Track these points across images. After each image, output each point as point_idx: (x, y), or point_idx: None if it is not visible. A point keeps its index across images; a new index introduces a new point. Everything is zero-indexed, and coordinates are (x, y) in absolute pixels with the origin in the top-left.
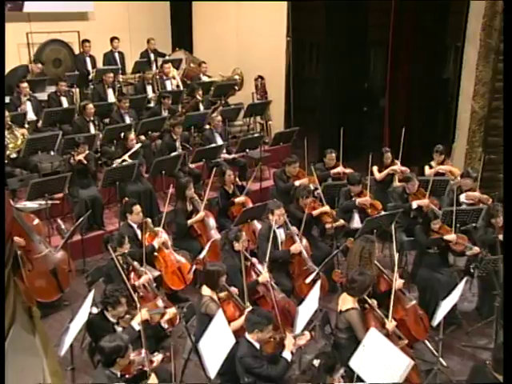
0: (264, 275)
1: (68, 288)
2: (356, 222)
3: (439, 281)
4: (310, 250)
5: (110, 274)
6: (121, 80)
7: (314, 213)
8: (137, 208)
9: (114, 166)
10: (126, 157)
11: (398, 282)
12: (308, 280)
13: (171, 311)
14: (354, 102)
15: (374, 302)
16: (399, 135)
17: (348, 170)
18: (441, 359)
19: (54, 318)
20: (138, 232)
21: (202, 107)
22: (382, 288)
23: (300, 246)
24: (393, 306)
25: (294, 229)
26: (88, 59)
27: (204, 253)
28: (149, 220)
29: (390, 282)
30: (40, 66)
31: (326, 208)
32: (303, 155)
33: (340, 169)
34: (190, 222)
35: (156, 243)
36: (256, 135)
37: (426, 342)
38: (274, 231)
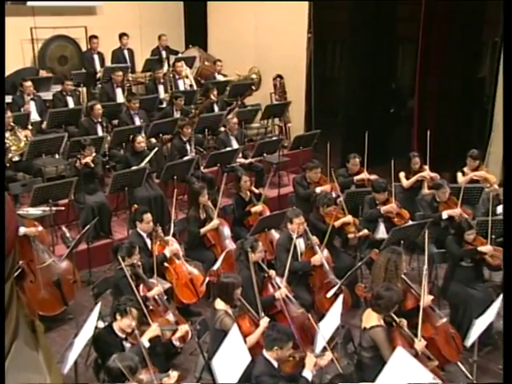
0: (282, 290)
1: (73, 300)
2: (381, 232)
3: (473, 297)
4: (332, 262)
5: (118, 286)
6: (130, 79)
7: (336, 224)
8: (148, 216)
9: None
10: (144, 164)
11: (427, 298)
12: (329, 294)
13: (183, 328)
14: (380, 103)
15: (401, 320)
16: (428, 139)
17: (373, 177)
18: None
19: (58, 332)
20: (148, 241)
21: (216, 108)
22: (410, 304)
23: (321, 257)
24: (422, 324)
25: (314, 239)
26: (96, 57)
27: (218, 264)
28: (159, 228)
29: (418, 298)
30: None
31: (349, 218)
32: (325, 160)
33: (364, 175)
34: (203, 230)
35: (167, 252)
36: (274, 138)
37: (459, 363)
38: (293, 241)
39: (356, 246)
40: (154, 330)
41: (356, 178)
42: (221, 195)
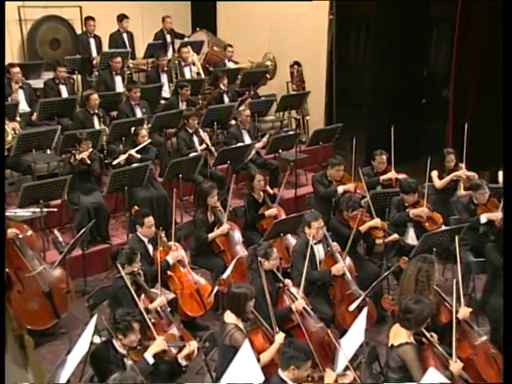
0: (299, 301)
1: (65, 313)
2: (411, 238)
3: None
4: (355, 271)
5: (116, 296)
6: (131, 66)
7: (362, 228)
8: (149, 220)
9: (119, 164)
10: (132, 151)
11: (463, 312)
12: (352, 307)
13: (192, 345)
14: (411, 92)
15: (433, 337)
16: (465, 133)
17: (401, 176)
18: None
19: (49, 348)
20: (150, 247)
21: (226, 99)
22: (444, 319)
23: (343, 266)
24: (458, 343)
25: (335, 245)
26: (92, 40)
27: (228, 272)
28: (162, 233)
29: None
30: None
31: (377, 221)
32: (347, 158)
33: (392, 174)
34: (211, 235)
35: (171, 259)
36: (291, 133)
37: None
38: (312, 248)
39: (382, 254)
40: (159, 344)
41: (382, 177)
42: (231, 196)
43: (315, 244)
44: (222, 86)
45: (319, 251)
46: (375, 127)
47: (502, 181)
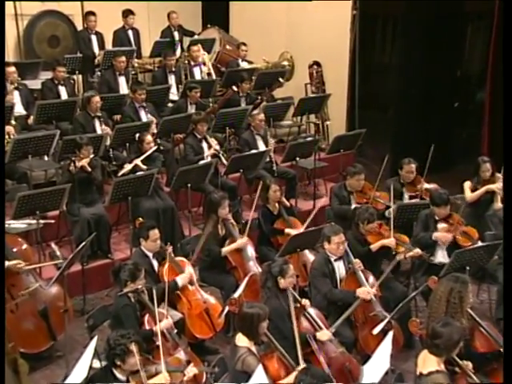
0: (324, 332)
1: (62, 334)
2: (441, 255)
3: None
4: (379, 291)
5: (118, 316)
6: (136, 65)
7: (373, 247)
8: (154, 233)
9: (124, 175)
10: (138, 161)
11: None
12: (376, 330)
13: (192, 371)
14: (442, 95)
15: (468, 365)
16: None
17: (431, 186)
18: None
19: (43, 373)
20: (155, 263)
21: (242, 102)
22: (480, 346)
23: (369, 289)
24: (494, 372)
25: (357, 262)
26: (94, 38)
27: (240, 291)
28: (170, 248)
29: (489, 338)
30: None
31: (391, 241)
32: (371, 166)
33: (421, 184)
34: (225, 250)
35: (180, 280)
36: (309, 139)
37: None
38: (332, 264)
39: (409, 272)
40: (161, 378)
41: (411, 187)
42: (244, 207)
43: (335, 260)
44: (234, 88)
45: (340, 268)
46: (402, 133)
47: (502, 181)
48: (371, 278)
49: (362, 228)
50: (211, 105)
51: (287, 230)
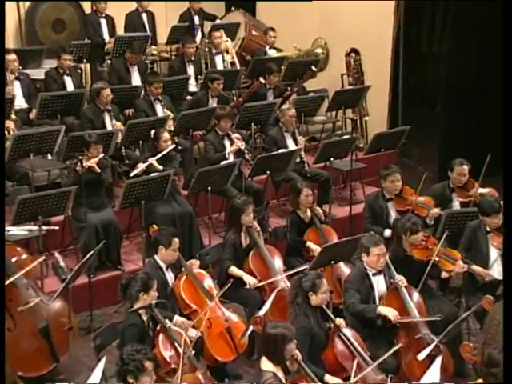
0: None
1: (66, 355)
2: (497, 272)
3: None
4: (426, 311)
5: (128, 335)
6: (154, 53)
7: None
8: (176, 242)
9: (136, 176)
10: (153, 160)
11: None
12: (422, 356)
13: None
14: (499, 89)
15: None
16: None
17: (486, 190)
18: None
19: None
20: (169, 275)
21: (268, 95)
22: None
23: (414, 310)
24: None
25: (400, 278)
26: (103, 22)
27: (265, 308)
28: (196, 262)
29: None
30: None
31: (457, 265)
32: (416, 169)
33: (475, 189)
34: (233, 270)
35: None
36: (345, 137)
37: None
38: (370, 279)
39: (460, 289)
40: None
41: (462, 192)
42: (271, 214)
43: (374, 275)
44: (261, 79)
45: (379, 284)
46: (452, 131)
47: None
48: (416, 296)
49: (406, 240)
50: (235, 98)
51: (309, 244)
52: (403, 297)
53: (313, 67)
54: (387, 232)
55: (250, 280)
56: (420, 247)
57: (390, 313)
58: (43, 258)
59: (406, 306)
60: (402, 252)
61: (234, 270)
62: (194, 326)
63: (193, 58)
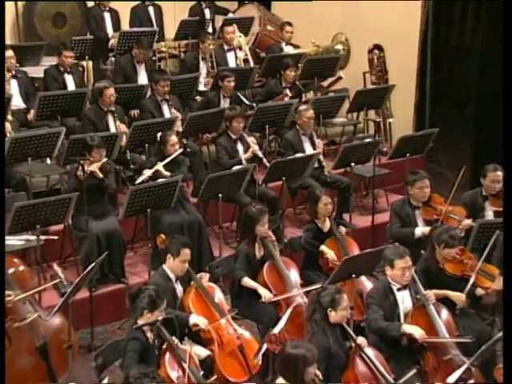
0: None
1: (65, 375)
2: None
3: None
4: (455, 330)
5: (129, 349)
6: (162, 49)
7: (436, 293)
8: (186, 252)
9: (142, 182)
10: (160, 165)
11: None
12: (452, 379)
13: None
14: None
15: None
16: None
17: None
18: None
19: None
20: (178, 287)
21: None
22: None
23: (443, 329)
24: None
25: (428, 294)
26: (107, 16)
27: (281, 325)
28: (206, 275)
29: None
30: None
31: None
32: (445, 174)
33: None
34: (247, 282)
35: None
36: (368, 141)
37: None
38: (394, 295)
39: (493, 307)
40: None
41: (495, 201)
42: (287, 223)
43: (399, 290)
44: (286, 77)
45: (404, 300)
46: (485, 133)
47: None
48: (445, 313)
49: (438, 252)
50: (249, 98)
51: (323, 248)
52: (431, 314)
53: (341, 73)
54: (418, 231)
55: (265, 293)
56: (454, 261)
57: (416, 331)
58: None
59: (433, 324)
60: (435, 263)
61: (248, 281)
62: (202, 344)
63: (204, 54)
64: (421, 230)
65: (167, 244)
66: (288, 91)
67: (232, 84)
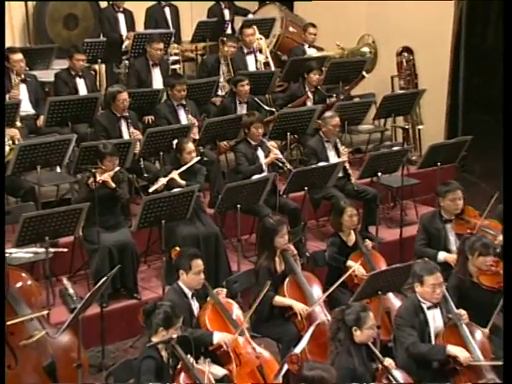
0: None
1: None
2: None
3: None
4: (491, 352)
5: (144, 368)
6: (176, 52)
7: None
8: (198, 264)
9: (156, 192)
10: (175, 174)
11: None
12: None
13: None
14: None
15: None
16: None
17: None
18: None
19: None
20: (194, 303)
21: (308, 100)
22: None
23: (476, 351)
24: None
25: (461, 313)
26: (121, 17)
27: (303, 344)
28: (223, 290)
29: None
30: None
31: None
32: (478, 185)
33: None
34: (278, 300)
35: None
36: (396, 149)
37: None
38: (424, 313)
39: None
40: None
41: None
42: (309, 236)
43: (429, 308)
44: (310, 81)
45: (435, 319)
46: None
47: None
48: (479, 334)
49: (472, 263)
50: (269, 103)
51: (350, 263)
52: (464, 335)
53: (364, 73)
54: (441, 255)
55: (300, 308)
56: (489, 273)
57: (461, 354)
58: None
59: (466, 345)
60: (468, 277)
61: (280, 299)
62: (220, 363)
63: (223, 58)
64: (444, 255)
65: (176, 260)
66: (310, 93)
67: (246, 88)
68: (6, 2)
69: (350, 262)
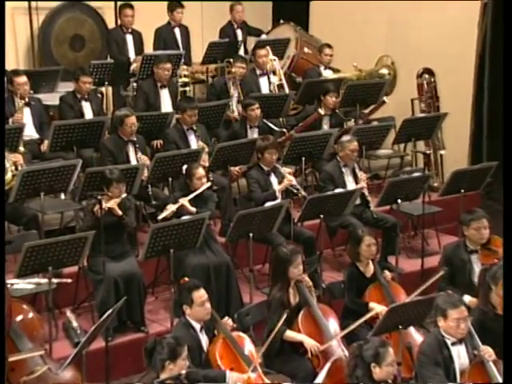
0: None
1: None
2: None
3: None
4: None
5: None
6: (185, 74)
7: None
8: (200, 295)
9: (165, 219)
10: (185, 201)
11: None
12: None
13: None
14: None
15: None
16: None
17: None
18: None
19: None
20: (203, 337)
21: (324, 123)
22: None
23: None
24: None
25: (486, 349)
26: (129, 38)
27: (319, 381)
28: (229, 321)
29: None
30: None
31: None
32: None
33: None
34: (290, 334)
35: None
36: (416, 175)
37: None
38: (448, 349)
39: None
40: None
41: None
42: (325, 266)
43: (453, 344)
44: (326, 103)
45: (460, 356)
46: None
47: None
48: None
49: (495, 293)
50: (283, 128)
51: (373, 306)
52: (490, 373)
53: (385, 98)
54: (466, 299)
55: (311, 345)
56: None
57: None
58: None
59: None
60: (491, 309)
61: (291, 334)
62: None
63: (234, 80)
64: (468, 299)
65: (176, 297)
66: (321, 111)
67: (257, 112)
68: (11, 22)
69: (372, 305)
